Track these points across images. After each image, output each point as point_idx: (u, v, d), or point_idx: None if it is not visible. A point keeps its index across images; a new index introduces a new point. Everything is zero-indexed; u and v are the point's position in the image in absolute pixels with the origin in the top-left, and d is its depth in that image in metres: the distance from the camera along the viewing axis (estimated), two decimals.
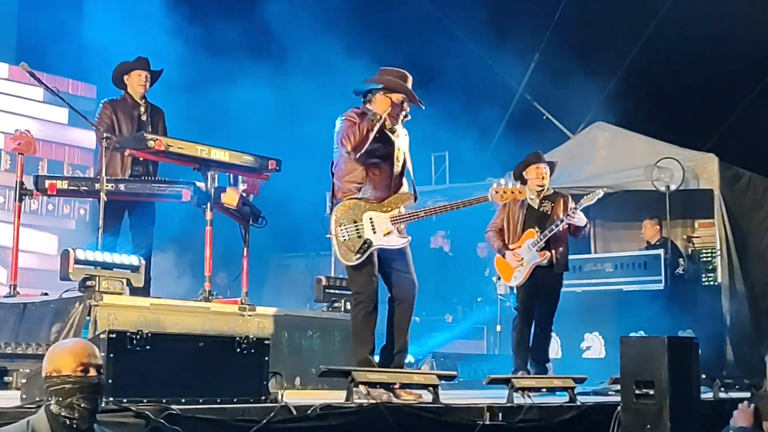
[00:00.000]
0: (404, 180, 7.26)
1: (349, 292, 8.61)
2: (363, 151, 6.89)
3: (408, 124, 7.31)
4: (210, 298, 8.15)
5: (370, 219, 7.00)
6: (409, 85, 7.11)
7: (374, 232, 6.98)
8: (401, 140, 7.19)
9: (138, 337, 4.97)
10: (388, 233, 7.04)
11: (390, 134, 7.08)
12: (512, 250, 9.36)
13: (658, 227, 13.73)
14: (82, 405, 3.97)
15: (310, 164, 10.35)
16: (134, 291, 7.75)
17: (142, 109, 9.09)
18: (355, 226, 6.97)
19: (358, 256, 6.96)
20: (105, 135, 8.24)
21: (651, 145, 13.73)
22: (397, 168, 7.15)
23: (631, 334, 9.98)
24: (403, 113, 7.10)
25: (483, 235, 9.94)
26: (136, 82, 9.08)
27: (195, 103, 13.16)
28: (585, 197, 9.48)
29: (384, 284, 7.19)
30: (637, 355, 6.56)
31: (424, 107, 7.23)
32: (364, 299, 7.02)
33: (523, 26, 16.41)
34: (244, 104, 13.94)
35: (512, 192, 7.55)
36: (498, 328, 13.06)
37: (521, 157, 9.72)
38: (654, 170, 13.16)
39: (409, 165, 7.24)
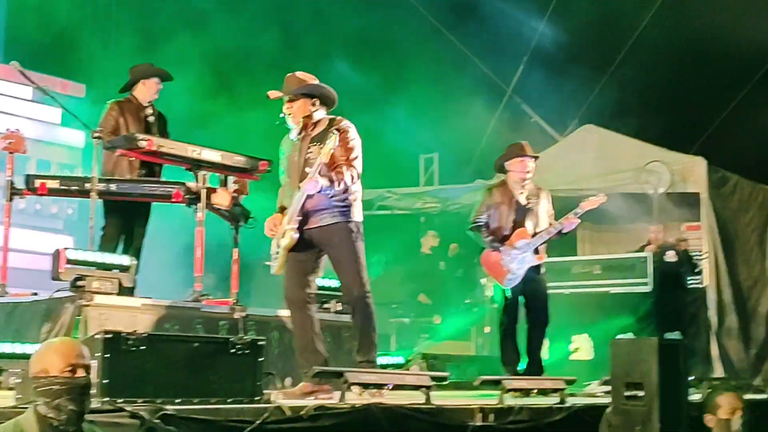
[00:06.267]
0: None
1: (340, 295, 8.68)
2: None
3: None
4: (200, 298, 8.14)
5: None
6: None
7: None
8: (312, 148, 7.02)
9: (133, 337, 4.98)
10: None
11: (297, 146, 7.07)
12: (509, 245, 8.99)
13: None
14: (69, 407, 3.95)
15: None
16: (121, 291, 7.72)
17: (149, 111, 9.09)
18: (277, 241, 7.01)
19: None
20: (96, 135, 8.25)
21: (639, 148, 13.80)
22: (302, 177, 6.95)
23: (618, 336, 10.01)
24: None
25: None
26: (153, 90, 9.09)
27: None
28: (587, 201, 9.26)
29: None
30: (627, 357, 6.60)
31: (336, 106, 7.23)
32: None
33: (512, 29, 16.47)
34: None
35: None
36: (486, 329, 13.08)
37: None
38: (642, 173, 13.24)
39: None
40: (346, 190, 6.97)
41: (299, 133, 7.09)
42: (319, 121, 7.10)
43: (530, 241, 9.01)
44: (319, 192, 6.82)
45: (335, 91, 7.24)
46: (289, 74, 7.17)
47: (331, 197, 6.93)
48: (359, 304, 7.01)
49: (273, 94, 7.09)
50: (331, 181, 6.84)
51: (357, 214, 7.10)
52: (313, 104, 7.10)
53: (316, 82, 7.19)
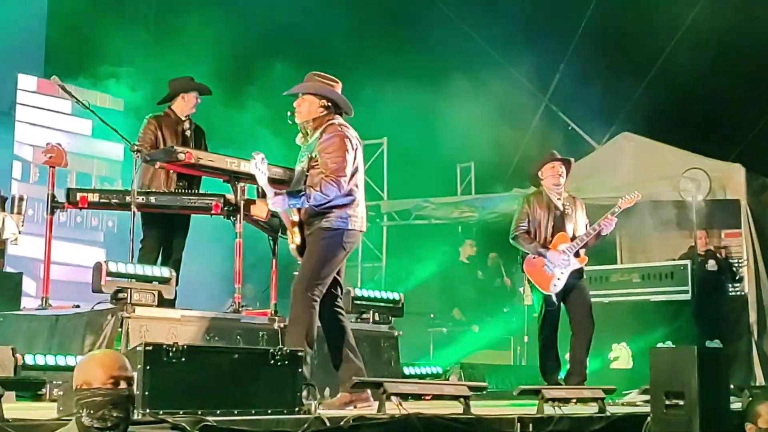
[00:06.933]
0: None
1: (378, 305, 8.71)
2: None
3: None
4: (240, 309, 8.19)
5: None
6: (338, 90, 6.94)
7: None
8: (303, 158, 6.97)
9: (174, 349, 5.01)
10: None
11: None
12: (552, 250, 9.03)
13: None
14: (114, 414, 3.96)
15: None
16: (161, 302, 7.77)
17: (187, 125, 9.15)
18: None
19: None
20: (135, 148, 8.33)
21: (677, 155, 13.75)
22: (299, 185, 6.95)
23: (658, 345, 9.95)
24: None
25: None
26: (192, 103, 9.14)
27: None
28: (623, 199, 9.30)
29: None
30: (667, 366, 6.57)
31: (352, 115, 7.02)
32: None
33: (548, 37, 16.45)
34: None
35: None
36: (525, 338, 13.05)
37: None
38: (681, 180, 13.17)
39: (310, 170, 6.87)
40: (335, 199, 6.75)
41: (303, 138, 6.94)
42: (319, 127, 6.83)
43: (571, 244, 9.06)
44: (291, 206, 6.80)
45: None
46: (310, 72, 6.99)
47: (319, 206, 6.75)
48: (293, 297, 6.79)
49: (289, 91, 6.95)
50: (301, 197, 6.73)
51: (351, 223, 6.83)
52: (322, 106, 6.84)
53: (337, 85, 6.96)
